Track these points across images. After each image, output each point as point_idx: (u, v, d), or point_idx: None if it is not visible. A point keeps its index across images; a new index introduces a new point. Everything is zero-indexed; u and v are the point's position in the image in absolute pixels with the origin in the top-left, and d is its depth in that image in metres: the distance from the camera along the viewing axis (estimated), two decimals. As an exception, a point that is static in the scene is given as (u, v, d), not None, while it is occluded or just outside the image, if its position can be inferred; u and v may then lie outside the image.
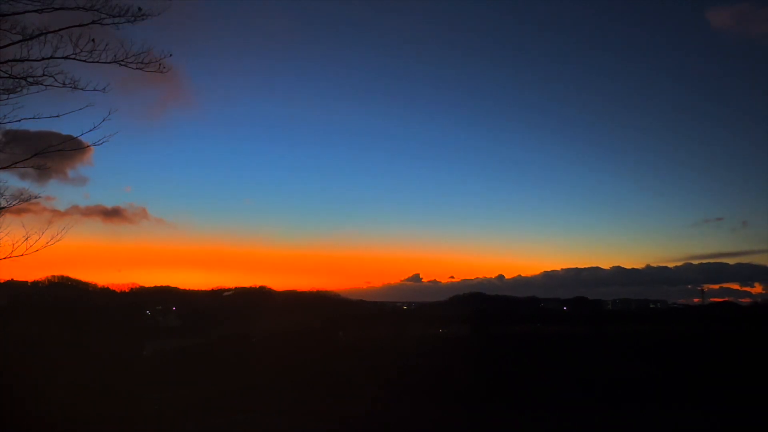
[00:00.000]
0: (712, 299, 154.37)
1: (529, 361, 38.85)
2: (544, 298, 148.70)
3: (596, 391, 31.82)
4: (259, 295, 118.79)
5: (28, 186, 13.77)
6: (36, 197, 13.83)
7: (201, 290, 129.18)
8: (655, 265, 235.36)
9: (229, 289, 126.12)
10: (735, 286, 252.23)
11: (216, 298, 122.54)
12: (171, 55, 12.56)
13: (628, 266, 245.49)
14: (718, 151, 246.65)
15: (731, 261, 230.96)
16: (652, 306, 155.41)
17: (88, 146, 13.22)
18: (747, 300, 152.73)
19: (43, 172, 13.81)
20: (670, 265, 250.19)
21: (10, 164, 13.26)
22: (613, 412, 28.27)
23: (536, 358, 39.22)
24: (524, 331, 71.53)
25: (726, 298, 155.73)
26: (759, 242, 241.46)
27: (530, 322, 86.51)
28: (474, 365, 36.16)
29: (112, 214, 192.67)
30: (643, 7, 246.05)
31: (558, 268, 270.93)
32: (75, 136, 13.06)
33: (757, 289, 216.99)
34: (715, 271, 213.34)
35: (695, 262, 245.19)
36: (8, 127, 12.84)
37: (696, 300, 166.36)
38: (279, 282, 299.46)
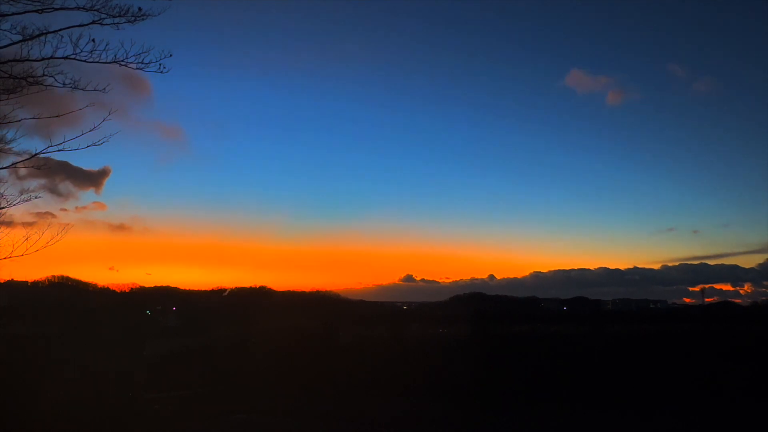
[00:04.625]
0: (706, 299, 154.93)
1: (531, 361, 38.77)
2: (544, 298, 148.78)
3: (600, 391, 31.77)
4: (259, 295, 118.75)
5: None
6: (37, 197, 13.84)
7: (201, 290, 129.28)
8: (639, 266, 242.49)
9: (225, 289, 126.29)
10: (727, 287, 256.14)
11: (216, 297, 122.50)
12: (171, 55, 12.53)
13: (612, 266, 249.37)
14: (675, 169, 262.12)
15: (694, 263, 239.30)
16: (652, 306, 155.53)
17: (87, 147, 13.19)
18: (738, 300, 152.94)
19: (44, 173, 13.80)
20: (655, 266, 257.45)
21: (10, 164, 13.25)
22: (618, 412, 28.24)
23: (538, 358, 39.15)
24: (525, 331, 71.31)
25: (715, 298, 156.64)
26: (710, 248, 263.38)
27: (531, 322, 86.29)
28: (476, 365, 36.11)
29: (118, 228, 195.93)
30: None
31: (546, 269, 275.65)
32: (75, 137, 13.03)
33: (747, 289, 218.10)
34: (696, 273, 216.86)
35: (670, 264, 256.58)
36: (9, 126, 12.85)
37: (687, 300, 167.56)
38: (274, 280, 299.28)
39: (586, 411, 28.79)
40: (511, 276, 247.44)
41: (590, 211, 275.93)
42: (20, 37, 11.47)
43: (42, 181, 14.85)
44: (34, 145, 13.59)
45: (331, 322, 64.98)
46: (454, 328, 77.16)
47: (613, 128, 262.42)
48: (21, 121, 12.81)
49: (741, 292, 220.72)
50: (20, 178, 13.96)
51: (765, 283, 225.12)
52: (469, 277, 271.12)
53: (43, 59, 11.74)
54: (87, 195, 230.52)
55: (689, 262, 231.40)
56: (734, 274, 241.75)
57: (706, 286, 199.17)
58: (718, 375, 33.74)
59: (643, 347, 41.20)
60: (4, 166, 13.07)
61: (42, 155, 13.08)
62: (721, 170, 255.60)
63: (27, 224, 13.64)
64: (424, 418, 27.77)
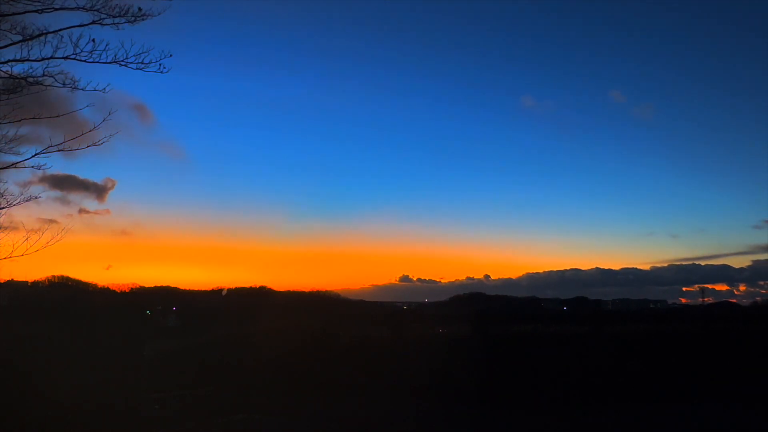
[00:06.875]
0: (702, 299, 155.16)
1: (530, 362, 38.79)
2: (544, 299, 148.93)
3: (598, 391, 31.75)
4: (259, 295, 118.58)
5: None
6: (37, 197, 13.80)
7: (201, 290, 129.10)
8: (629, 266, 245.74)
9: (222, 289, 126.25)
10: (722, 287, 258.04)
11: (216, 297, 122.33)
12: (171, 56, 12.49)
13: (604, 267, 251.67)
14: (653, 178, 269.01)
15: (686, 264, 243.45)
16: (652, 306, 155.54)
17: (87, 147, 13.16)
18: (734, 300, 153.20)
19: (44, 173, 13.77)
20: (645, 267, 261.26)
21: (10, 164, 13.22)
22: (617, 412, 28.22)
23: (537, 358, 39.16)
24: (525, 331, 71.27)
25: (710, 298, 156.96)
26: (694, 250, 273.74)
27: (531, 322, 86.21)
28: (475, 365, 36.09)
29: (120, 232, 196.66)
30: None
31: (539, 269, 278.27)
32: (77, 133, 13.00)
33: (742, 289, 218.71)
34: (688, 272, 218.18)
35: (658, 264, 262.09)
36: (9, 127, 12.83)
37: (683, 300, 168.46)
38: (274, 280, 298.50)
39: (588, 411, 28.78)
40: (506, 276, 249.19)
41: (581, 213, 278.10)
42: (20, 37, 11.46)
43: (45, 187, 14.86)
44: (33, 145, 13.58)
45: (332, 321, 64.96)
46: (456, 327, 77.08)
47: (573, 141, 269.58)
48: (21, 121, 12.78)
49: (736, 292, 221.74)
50: (24, 184, 13.92)
51: (760, 282, 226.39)
52: (464, 277, 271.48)
53: (43, 59, 11.72)
54: (91, 203, 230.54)
55: (677, 263, 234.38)
56: (727, 274, 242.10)
57: (702, 286, 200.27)
58: (728, 375, 33.77)
59: (649, 347, 41.21)
60: (4, 166, 13.04)
61: (42, 155, 13.05)
62: (689, 180, 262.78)
63: (31, 231, 13.57)
64: (426, 418, 27.77)
